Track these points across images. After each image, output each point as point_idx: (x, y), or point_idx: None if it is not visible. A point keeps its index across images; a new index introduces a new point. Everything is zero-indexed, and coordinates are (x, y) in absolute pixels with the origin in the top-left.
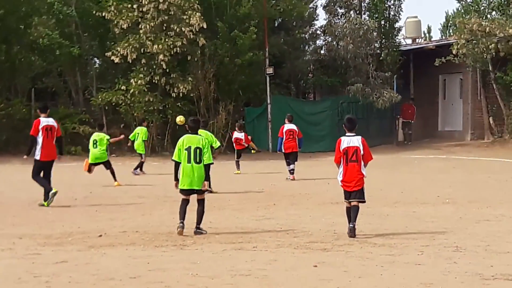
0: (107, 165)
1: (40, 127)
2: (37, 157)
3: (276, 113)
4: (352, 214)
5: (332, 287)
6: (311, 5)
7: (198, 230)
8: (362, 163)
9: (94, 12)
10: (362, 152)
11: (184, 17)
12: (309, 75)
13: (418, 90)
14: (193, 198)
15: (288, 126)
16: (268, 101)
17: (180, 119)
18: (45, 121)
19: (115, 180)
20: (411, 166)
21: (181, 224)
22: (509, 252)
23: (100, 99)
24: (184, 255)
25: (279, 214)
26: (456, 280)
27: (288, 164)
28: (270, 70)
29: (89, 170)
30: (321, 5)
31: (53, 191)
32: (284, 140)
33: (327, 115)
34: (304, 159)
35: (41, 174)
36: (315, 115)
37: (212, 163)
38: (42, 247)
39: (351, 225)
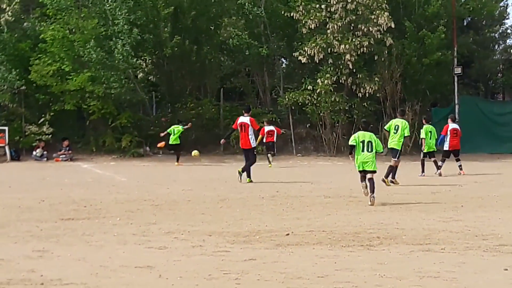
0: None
1: (238, 123)
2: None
3: (464, 113)
4: None
5: None
6: (501, 4)
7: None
8: None
9: (282, 12)
10: None
11: (372, 16)
12: (499, 75)
13: None
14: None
15: (452, 125)
16: (456, 101)
17: (195, 153)
18: (242, 119)
19: None
20: None
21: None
22: None
23: (287, 99)
24: (371, 256)
25: (467, 216)
26: None
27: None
28: (458, 70)
29: None
30: None
31: (239, 169)
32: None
33: None
34: (492, 161)
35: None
36: (504, 115)
37: (382, 152)
38: (231, 244)
39: None
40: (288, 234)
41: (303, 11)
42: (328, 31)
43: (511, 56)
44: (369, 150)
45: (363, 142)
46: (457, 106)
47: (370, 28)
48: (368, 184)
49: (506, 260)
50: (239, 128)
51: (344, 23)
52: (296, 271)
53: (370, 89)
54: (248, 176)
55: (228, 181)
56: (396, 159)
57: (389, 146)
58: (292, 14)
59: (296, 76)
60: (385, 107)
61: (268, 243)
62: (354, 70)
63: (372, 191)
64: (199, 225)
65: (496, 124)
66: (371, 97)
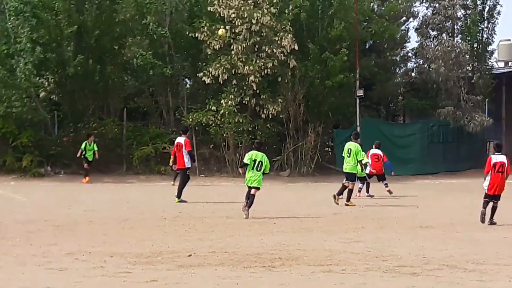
0: None
1: (175, 143)
2: None
3: (366, 135)
4: (492, 212)
5: None
6: (403, 27)
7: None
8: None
9: (187, 33)
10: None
11: (276, 38)
12: (399, 97)
13: (510, 114)
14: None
15: (373, 151)
16: (358, 123)
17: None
18: (178, 139)
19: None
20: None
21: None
22: None
23: (190, 119)
24: (273, 277)
25: (367, 237)
26: None
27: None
28: (360, 92)
29: None
30: (413, 27)
31: (176, 200)
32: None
33: (416, 138)
34: (392, 182)
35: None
36: (405, 138)
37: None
38: (133, 265)
39: (489, 221)
40: (190, 255)
41: (208, 32)
42: (233, 52)
43: (412, 79)
44: (258, 169)
45: (255, 161)
46: (358, 128)
47: (274, 49)
48: (248, 199)
49: (405, 281)
50: (175, 148)
51: (248, 44)
52: None
53: (274, 110)
54: (179, 196)
55: (130, 201)
56: (352, 182)
57: (344, 170)
58: (196, 35)
59: (200, 96)
60: (288, 129)
61: (170, 264)
62: (258, 91)
63: (249, 206)
64: (100, 246)
65: (397, 146)
66: (275, 118)
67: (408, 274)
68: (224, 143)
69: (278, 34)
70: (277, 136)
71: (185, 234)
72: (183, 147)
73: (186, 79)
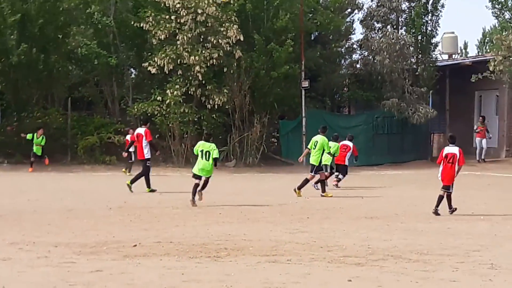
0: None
1: (135, 134)
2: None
3: (311, 126)
4: (437, 201)
5: None
6: (348, 19)
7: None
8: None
9: (132, 22)
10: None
11: (221, 29)
12: (345, 89)
13: (453, 106)
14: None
15: (343, 142)
16: (303, 114)
17: None
18: (137, 130)
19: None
20: None
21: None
22: None
23: (135, 109)
24: (218, 267)
25: (312, 228)
26: None
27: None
28: (305, 84)
29: None
30: (358, 19)
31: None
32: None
33: (361, 130)
34: None
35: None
36: (350, 129)
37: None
38: (77, 255)
39: (433, 209)
40: (135, 245)
41: (153, 22)
42: (178, 42)
43: (357, 71)
44: (207, 159)
45: (202, 151)
46: (304, 119)
47: (220, 40)
48: (201, 184)
49: (350, 271)
50: (136, 139)
51: (194, 34)
52: (143, 282)
53: (219, 101)
54: (148, 186)
55: (75, 191)
56: (312, 174)
57: (310, 162)
58: (141, 25)
59: (146, 86)
60: (234, 119)
61: (115, 254)
62: (204, 82)
63: (202, 188)
64: (45, 236)
65: (342, 137)
66: (220, 109)
67: (353, 264)
68: (169, 134)
69: (223, 24)
70: (223, 127)
71: (130, 224)
72: (143, 138)
73: (131, 69)
